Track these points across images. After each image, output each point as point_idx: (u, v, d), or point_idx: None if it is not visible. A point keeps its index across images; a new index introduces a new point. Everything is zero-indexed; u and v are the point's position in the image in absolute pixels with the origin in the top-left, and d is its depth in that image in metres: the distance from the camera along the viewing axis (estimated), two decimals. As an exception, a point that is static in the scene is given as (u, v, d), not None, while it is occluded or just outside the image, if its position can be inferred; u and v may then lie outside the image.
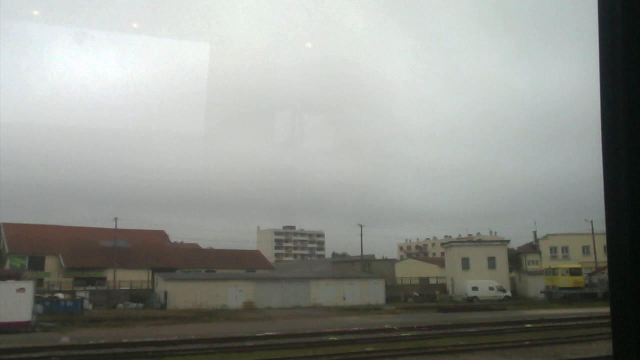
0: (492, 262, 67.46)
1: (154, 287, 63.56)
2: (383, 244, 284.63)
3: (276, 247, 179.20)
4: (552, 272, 60.50)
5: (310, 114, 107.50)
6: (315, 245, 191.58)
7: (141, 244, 78.30)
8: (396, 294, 67.35)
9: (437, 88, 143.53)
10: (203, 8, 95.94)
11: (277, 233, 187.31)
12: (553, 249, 77.86)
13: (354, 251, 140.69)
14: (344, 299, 61.63)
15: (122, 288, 64.96)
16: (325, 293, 60.98)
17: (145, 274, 72.75)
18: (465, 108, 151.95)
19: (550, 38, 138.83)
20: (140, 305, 55.87)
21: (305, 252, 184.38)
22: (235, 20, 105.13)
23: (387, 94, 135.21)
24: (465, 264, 67.57)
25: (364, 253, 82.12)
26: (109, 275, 68.86)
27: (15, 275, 42.89)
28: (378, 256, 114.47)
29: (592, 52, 1.81)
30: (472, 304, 57.18)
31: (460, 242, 71.26)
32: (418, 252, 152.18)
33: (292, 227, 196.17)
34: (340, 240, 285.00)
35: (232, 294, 57.06)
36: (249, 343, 27.26)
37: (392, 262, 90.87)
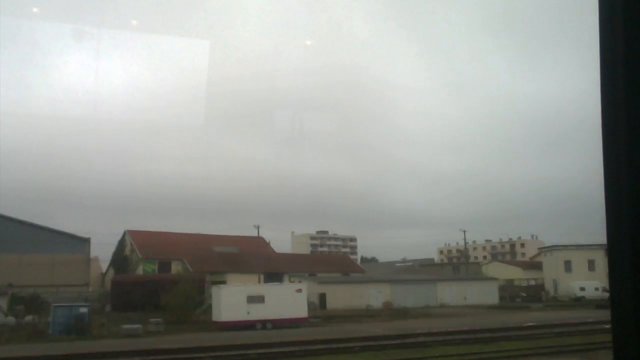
0: (592, 265, 72.75)
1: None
2: (387, 245, 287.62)
3: (312, 252, 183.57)
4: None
5: (313, 118, 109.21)
6: (348, 250, 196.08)
7: (248, 249, 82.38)
8: (501, 294, 72.17)
9: (439, 93, 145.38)
10: (207, 8, 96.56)
11: (312, 238, 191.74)
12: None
13: (382, 256, 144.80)
14: (465, 299, 66.30)
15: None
16: (450, 294, 65.67)
17: (256, 278, 76.85)
18: (466, 113, 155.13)
19: (553, 44, 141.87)
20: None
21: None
22: (237, 23, 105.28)
23: (390, 99, 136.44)
24: (568, 266, 72.80)
25: (393, 257, 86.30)
26: (229, 279, 72.86)
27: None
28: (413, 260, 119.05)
29: (594, 58, 1.82)
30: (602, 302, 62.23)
31: (563, 246, 76.45)
32: (459, 255, 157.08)
33: (325, 232, 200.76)
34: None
35: (373, 295, 61.50)
36: (537, 331, 31.93)
37: (478, 265, 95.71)
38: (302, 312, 38.36)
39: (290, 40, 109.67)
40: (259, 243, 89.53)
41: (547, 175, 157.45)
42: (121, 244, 76.03)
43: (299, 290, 39.32)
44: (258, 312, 36.81)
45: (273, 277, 72.05)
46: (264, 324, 36.39)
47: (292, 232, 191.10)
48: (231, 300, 36.97)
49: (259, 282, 76.28)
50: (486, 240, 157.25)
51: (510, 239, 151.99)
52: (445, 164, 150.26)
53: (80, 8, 76.32)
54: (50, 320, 32.29)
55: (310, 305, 59.81)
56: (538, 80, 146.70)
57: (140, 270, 71.45)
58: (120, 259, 73.71)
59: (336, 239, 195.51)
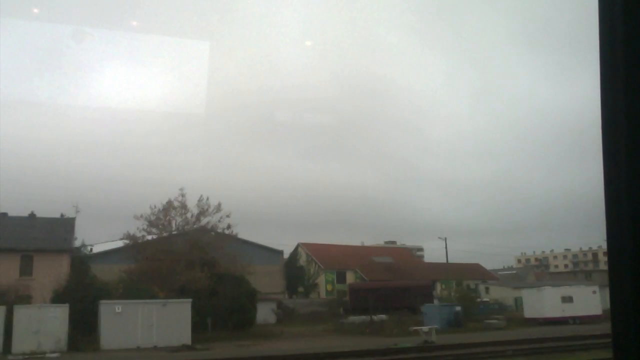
0: None
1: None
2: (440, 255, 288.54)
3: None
4: None
5: (339, 127, 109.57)
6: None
7: (398, 259, 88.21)
8: None
9: (463, 102, 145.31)
10: (223, 9, 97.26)
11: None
12: None
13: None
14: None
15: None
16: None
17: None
18: (491, 121, 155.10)
19: (580, 52, 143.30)
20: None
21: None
22: (238, 23, 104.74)
23: (415, 107, 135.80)
24: None
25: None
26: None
27: None
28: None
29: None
30: None
31: None
32: (539, 264, 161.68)
33: (394, 242, 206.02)
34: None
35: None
36: None
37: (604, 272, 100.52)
38: (597, 310, 44.20)
39: (322, 51, 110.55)
40: (407, 253, 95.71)
41: (573, 182, 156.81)
42: (294, 255, 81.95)
43: (594, 292, 45.39)
44: (569, 310, 42.87)
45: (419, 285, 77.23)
46: (573, 320, 42.34)
47: (362, 242, 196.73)
48: (550, 301, 43.02)
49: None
50: (566, 249, 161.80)
51: (590, 247, 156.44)
52: (470, 172, 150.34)
53: (80, 9, 76.15)
54: (425, 316, 38.14)
55: (509, 307, 65.29)
56: (566, 88, 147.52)
57: (322, 280, 77.38)
58: (294, 269, 79.46)
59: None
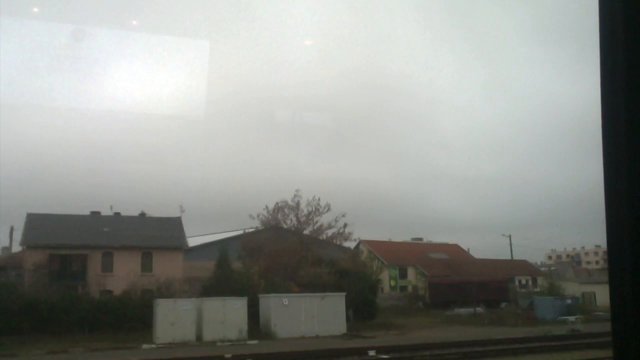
0: None
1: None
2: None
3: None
4: None
5: (352, 123, 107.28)
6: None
7: (452, 255, 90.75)
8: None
9: (478, 96, 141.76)
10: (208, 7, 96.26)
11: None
12: None
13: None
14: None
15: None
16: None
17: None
18: (506, 116, 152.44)
19: (594, 45, 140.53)
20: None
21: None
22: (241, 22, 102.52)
23: (429, 103, 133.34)
24: None
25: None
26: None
27: None
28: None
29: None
30: None
31: None
32: (570, 260, 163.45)
33: (420, 239, 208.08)
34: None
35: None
36: None
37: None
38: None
39: (342, 47, 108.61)
40: (457, 249, 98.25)
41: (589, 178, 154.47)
42: (355, 252, 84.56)
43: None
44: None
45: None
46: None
47: (390, 239, 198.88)
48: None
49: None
50: (596, 246, 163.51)
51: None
52: (483, 168, 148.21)
53: (80, 8, 75.34)
54: (537, 308, 40.90)
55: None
56: (583, 83, 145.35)
57: (385, 276, 79.96)
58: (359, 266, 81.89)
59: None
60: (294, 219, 44.49)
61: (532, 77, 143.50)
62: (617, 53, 1.72)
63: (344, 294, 34.24)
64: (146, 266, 46.29)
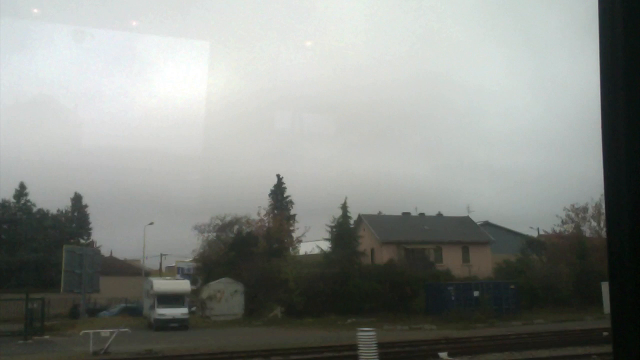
0: None
1: None
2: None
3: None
4: None
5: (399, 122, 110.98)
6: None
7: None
8: None
9: (523, 92, 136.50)
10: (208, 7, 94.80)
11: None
12: None
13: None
14: None
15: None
16: None
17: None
18: (551, 111, 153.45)
19: None
20: None
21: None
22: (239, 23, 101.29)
23: (474, 100, 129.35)
24: None
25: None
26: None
27: None
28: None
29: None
30: None
31: None
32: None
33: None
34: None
35: None
36: None
37: None
38: None
39: (391, 46, 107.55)
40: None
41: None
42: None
43: None
44: None
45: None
46: None
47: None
48: None
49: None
50: None
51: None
52: (524, 163, 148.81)
53: (80, 9, 76.74)
54: None
55: None
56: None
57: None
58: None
59: None
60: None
61: (581, 72, 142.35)
62: (617, 53, 1.74)
63: None
64: (465, 258, 54.78)
